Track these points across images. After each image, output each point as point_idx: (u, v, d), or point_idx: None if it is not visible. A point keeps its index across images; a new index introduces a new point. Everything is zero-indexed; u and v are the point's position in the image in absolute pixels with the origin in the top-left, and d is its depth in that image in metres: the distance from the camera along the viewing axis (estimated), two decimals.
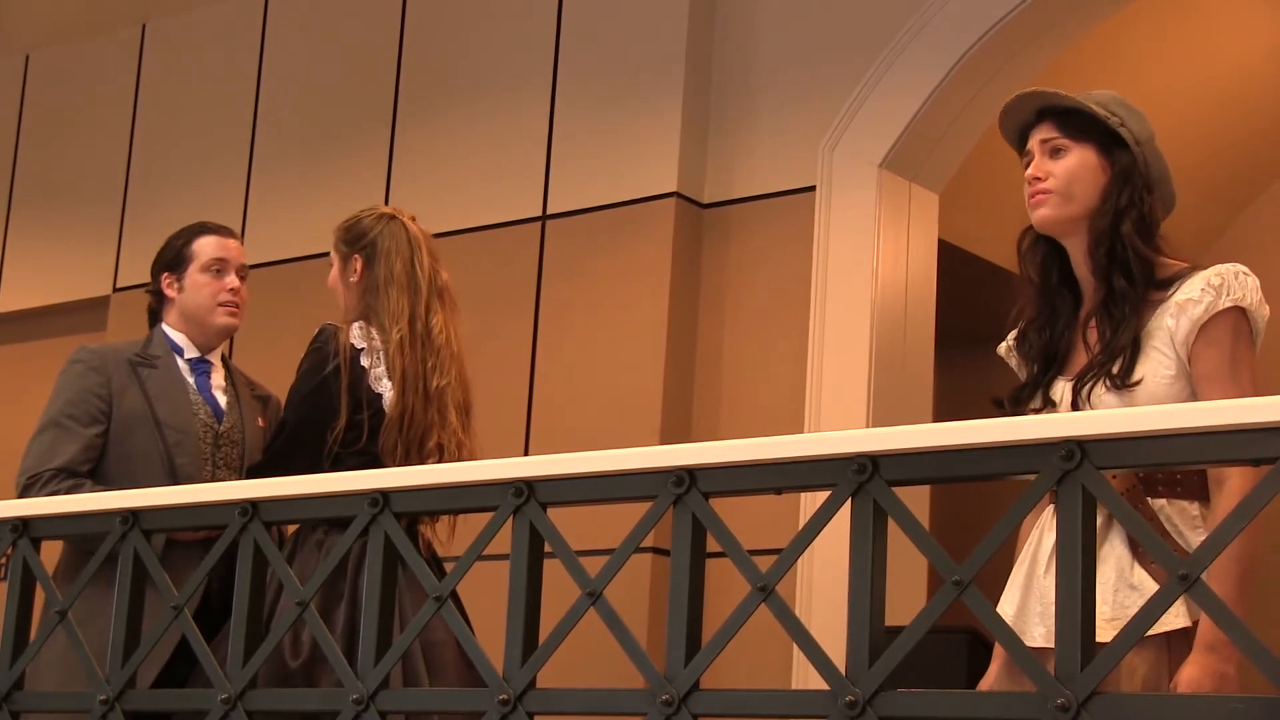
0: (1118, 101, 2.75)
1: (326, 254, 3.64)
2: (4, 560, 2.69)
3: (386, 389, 3.39)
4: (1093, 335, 2.68)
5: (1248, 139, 6.09)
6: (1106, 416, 1.86)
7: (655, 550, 4.32)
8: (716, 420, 4.57)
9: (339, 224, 3.60)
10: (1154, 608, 1.80)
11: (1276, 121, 6.04)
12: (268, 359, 4.32)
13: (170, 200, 5.59)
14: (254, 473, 3.47)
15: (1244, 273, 2.61)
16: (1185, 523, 2.56)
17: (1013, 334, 2.83)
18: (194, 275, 3.59)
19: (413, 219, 3.57)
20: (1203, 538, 2.52)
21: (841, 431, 2.13)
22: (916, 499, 4.26)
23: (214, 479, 3.44)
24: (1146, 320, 2.62)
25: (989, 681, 2.76)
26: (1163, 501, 2.56)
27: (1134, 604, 2.51)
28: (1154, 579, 2.52)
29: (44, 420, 3.46)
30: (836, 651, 1.93)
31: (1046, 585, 2.62)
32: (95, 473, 3.42)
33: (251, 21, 5.75)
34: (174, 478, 3.39)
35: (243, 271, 3.65)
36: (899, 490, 1.95)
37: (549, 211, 4.91)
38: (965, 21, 4.42)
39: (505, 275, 4.92)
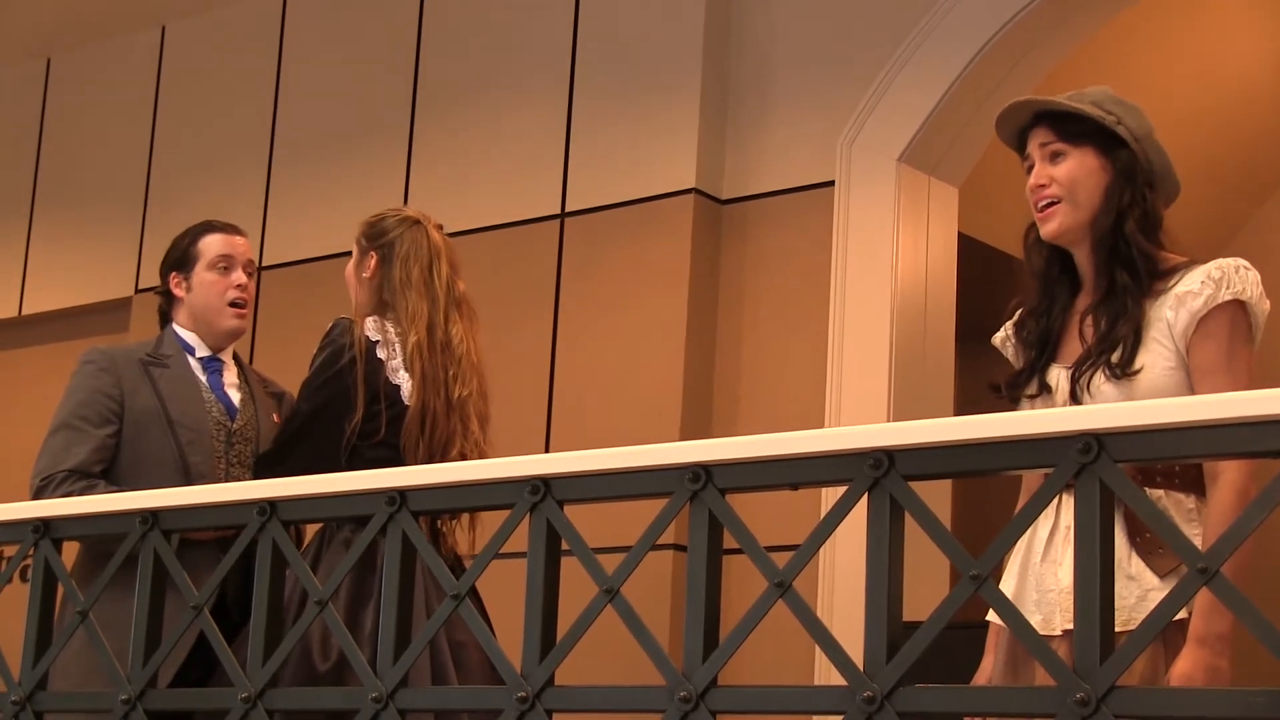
0: (1112, 99, 2.73)
1: (346, 254, 3.65)
2: (25, 561, 2.70)
3: (404, 380, 3.39)
4: (1089, 326, 2.67)
5: (1267, 132, 6.06)
6: (1124, 409, 1.84)
7: (676, 547, 4.32)
8: (736, 416, 4.56)
9: (365, 219, 3.61)
10: (1174, 601, 1.79)
11: None
12: (286, 358, 4.32)
13: (191, 201, 5.60)
14: (263, 460, 3.48)
15: (1245, 267, 2.60)
16: (1181, 515, 2.55)
17: (1010, 322, 2.84)
18: (200, 274, 3.59)
19: (439, 227, 3.57)
20: (1198, 531, 2.52)
21: (857, 426, 2.13)
22: (938, 493, 4.25)
23: (228, 477, 3.44)
24: (1146, 311, 2.62)
25: (985, 675, 2.75)
26: (1160, 493, 2.56)
27: (1131, 595, 2.51)
28: (1152, 570, 2.52)
29: (56, 422, 3.46)
30: (860, 647, 1.92)
31: (1043, 572, 2.63)
32: (109, 473, 3.42)
33: (270, 22, 5.76)
34: (187, 477, 3.39)
35: (250, 268, 3.65)
36: (917, 485, 1.94)
37: (567, 209, 4.91)
38: (982, 15, 4.41)
39: (524, 273, 4.92)
